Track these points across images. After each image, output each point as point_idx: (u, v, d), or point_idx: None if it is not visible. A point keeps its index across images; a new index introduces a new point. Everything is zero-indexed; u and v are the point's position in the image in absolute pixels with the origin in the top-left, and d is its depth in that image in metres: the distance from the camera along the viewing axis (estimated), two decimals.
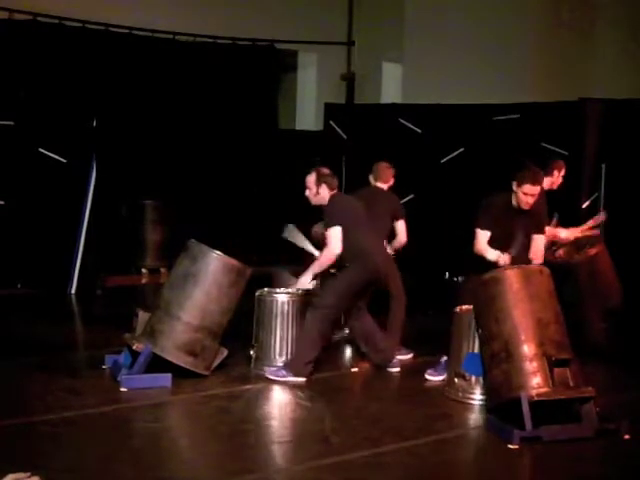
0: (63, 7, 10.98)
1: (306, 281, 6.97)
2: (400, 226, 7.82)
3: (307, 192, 7.02)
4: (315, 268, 6.95)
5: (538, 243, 6.88)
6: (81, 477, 4.81)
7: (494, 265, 6.51)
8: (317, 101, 13.66)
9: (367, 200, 7.34)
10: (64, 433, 5.50)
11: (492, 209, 6.79)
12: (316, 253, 7.17)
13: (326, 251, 6.89)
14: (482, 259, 6.69)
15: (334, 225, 6.84)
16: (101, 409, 5.96)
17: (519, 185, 6.66)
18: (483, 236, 6.75)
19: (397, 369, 7.24)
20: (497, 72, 11.67)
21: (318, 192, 6.97)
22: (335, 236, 6.82)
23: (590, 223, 8.00)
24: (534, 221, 6.83)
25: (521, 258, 6.65)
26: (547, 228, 7.27)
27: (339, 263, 6.98)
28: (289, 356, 6.96)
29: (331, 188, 6.99)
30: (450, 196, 10.78)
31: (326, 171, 7.03)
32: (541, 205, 7.08)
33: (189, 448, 5.57)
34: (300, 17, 13.34)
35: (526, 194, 6.65)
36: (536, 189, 6.67)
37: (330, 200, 6.97)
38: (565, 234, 7.84)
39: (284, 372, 6.78)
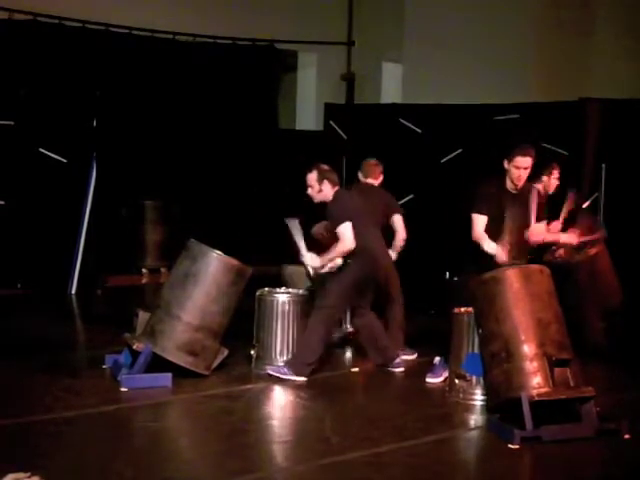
0: (63, 7, 10.98)
1: (316, 261, 6.93)
2: (397, 220, 7.82)
3: (309, 190, 7.02)
4: (330, 255, 6.91)
5: (537, 228, 6.87)
6: (81, 477, 4.81)
7: (490, 262, 6.48)
8: (317, 101, 13.65)
9: (362, 196, 7.35)
10: (64, 433, 5.50)
11: (487, 193, 6.77)
12: (304, 253, 7.02)
13: (340, 245, 6.85)
14: (479, 257, 6.66)
15: (344, 221, 6.83)
16: (101, 409, 5.96)
17: (510, 161, 6.69)
18: (481, 221, 6.71)
19: (401, 369, 7.23)
20: (497, 72, 11.66)
21: (321, 189, 6.97)
22: (347, 231, 6.82)
23: (591, 237, 7.96)
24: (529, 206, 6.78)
25: (519, 244, 6.64)
26: (548, 227, 7.24)
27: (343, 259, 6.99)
28: (290, 355, 6.96)
29: (333, 184, 6.99)
30: (450, 196, 10.77)
31: (326, 167, 7.04)
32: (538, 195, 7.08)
33: (189, 448, 5.57)
34: (300, 17, 13.34)
35: (518, 167, 6.67)
36: (527, 160, 6.68)
37: (334, 197, 6.97)
38: (565, 238, 7.79)
39: (285, 370, 6.79)
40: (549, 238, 7.39)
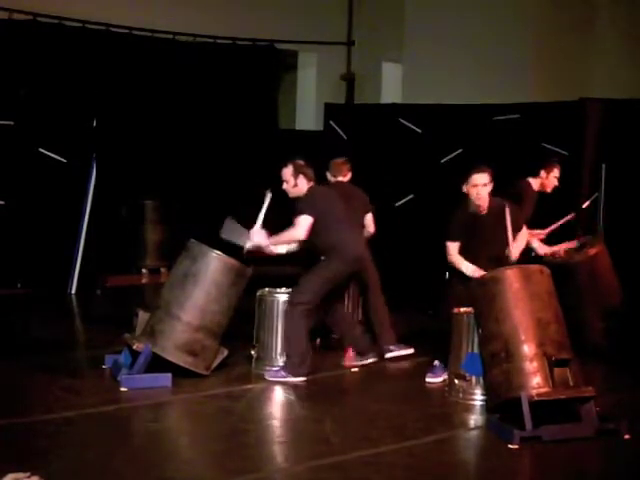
0: (63, 7, 10.99)
1: (261, 238, 6.89)
2: (369, 218, 7.97)
3: (284, 185, 7.03)
4: (276, 239, 6.92)
5: (519, 239, 6.88)
6: (81, 477, 4.81)
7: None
8: (317, 101, 13.65)
9: (339, 194, 7.36)
10: (64, 433, 5.50)
11: (457, 220, 6.84)
12: (256, 227, 6.99)
13: (291, 232, 6.88)
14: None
15: (305, 214, 6.83)
16: (101, 409, 5.96)
17: (467, 181, 6.71)
18: (453, 247, 6.82)
19: (373, 360, 7.32)
20: (497, 72, 11.66)
21: (296, 184, 6.98)
22: (303, 224, 6.82)
23: (558, 223, 7.96)
24: (504, 223, 6.71)
25: (498, 260, 6.57)
26: (528, 232, 7.23)
27: (316, 255, 6.99)
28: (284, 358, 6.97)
29: (309, 179, 7.01)
30: (450, 196, 10.76)
31: (302, 162, 7.06)
32: (515, 206, 7.04)
33: (189, 448, 5.57)
34: (300, 17, 13.34)
35: (475, 185, 6.67)
36: (483, 177, 6.68)
37: (308, 191, 6.98)
38: (541, 250, 7.77)
39: (283, 373, 6.79)
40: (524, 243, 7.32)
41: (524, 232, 7.02)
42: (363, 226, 7.95)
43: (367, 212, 8.00)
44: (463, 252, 6.80)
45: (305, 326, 6.84)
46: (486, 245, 6.71)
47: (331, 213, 6.96)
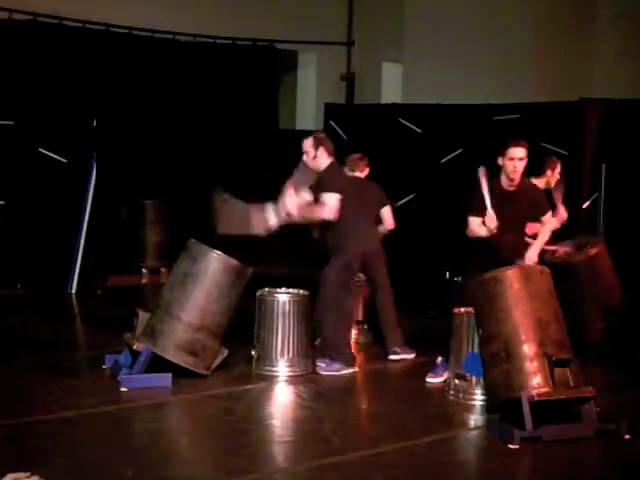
0: (63, 7, 11.00)
1: (291, 205, 6.82)
2: (386, 212, 7.89)
3: (304, 157, 6.99)
4: (306, 213, 6.83)
5: (545, 224, 6.85)
6: (81, 477, 4.81)
7: (493, 262, 6.47)
8: (317, 101, 13.67)
9: (356, 188, 7.36)
10: (64, 433, 5.50)
11: (479, 194, 6.70)
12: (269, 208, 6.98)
13: (321, 210, 6.81)
14: (482, 257, 6.64)
15: (333, 191, 6.80)
16: (101, 409, 5.96)
17: (503, 154, 6.60)
18: (473, 221, 6.72)
19: (398, 356, 7.45)
20: (497, 72, 11.67)
21: (316, 155, 6.94)
22: (332, 201, 6.79)
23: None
24: (531, 203, 6.71)
25: (516, 243, 6.60)
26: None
27: (327, 245, 7.03)
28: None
29: (329, 153, 6.97)
30: (450, 196, 10.77)
31: (323, 135, 7.06)
32: (540, 190, 7.04)
33: (189, 448, 5.57)
34: (300, 17, 13.35)
35: (512, 158, 6.58)
36: (520, 151, 6.59)
37: (330, 166, 6.94)
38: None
39: (336, 366, 6.89)
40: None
41: (548, 219, 6.90)
42: (377, 222, 7.89)
43: (383, 206, 7.88)
44: None
45: (345, 316, 6.98)
46: (504, 221, 6.59)
47: (348, 198, 6.93)
